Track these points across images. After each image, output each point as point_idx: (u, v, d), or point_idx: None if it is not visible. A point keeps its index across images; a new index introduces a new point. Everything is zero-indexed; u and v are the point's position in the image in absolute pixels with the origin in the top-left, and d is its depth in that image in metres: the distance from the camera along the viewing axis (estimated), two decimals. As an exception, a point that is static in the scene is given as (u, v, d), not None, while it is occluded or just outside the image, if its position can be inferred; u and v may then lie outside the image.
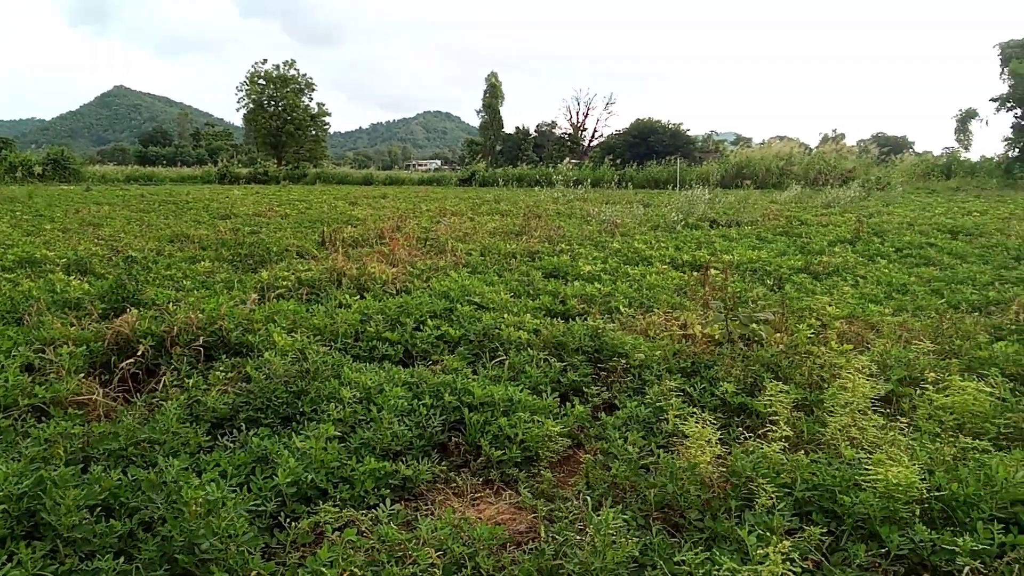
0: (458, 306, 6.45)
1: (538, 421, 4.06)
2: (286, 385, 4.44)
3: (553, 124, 65.29)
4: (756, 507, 2.99)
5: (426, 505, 3.53)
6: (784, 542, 2.48)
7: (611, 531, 2.68)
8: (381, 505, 3.13)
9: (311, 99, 64.45)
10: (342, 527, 2.97)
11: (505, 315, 6.17)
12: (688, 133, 56.49)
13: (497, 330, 5.78)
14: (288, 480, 3.25)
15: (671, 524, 3.17)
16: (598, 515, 2.80)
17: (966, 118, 51.23)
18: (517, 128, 64.70)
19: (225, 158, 59.28)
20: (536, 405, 4.32)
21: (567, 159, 49.07)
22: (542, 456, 3.92)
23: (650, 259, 10.08)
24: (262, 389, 4.38)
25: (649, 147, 52.13)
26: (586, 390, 4.85)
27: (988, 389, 4.26)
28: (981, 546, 2.68)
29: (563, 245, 11.21)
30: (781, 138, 51.41)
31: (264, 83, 62.72)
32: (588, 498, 3.12)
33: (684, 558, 2.64)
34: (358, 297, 7.08)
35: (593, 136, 64.58)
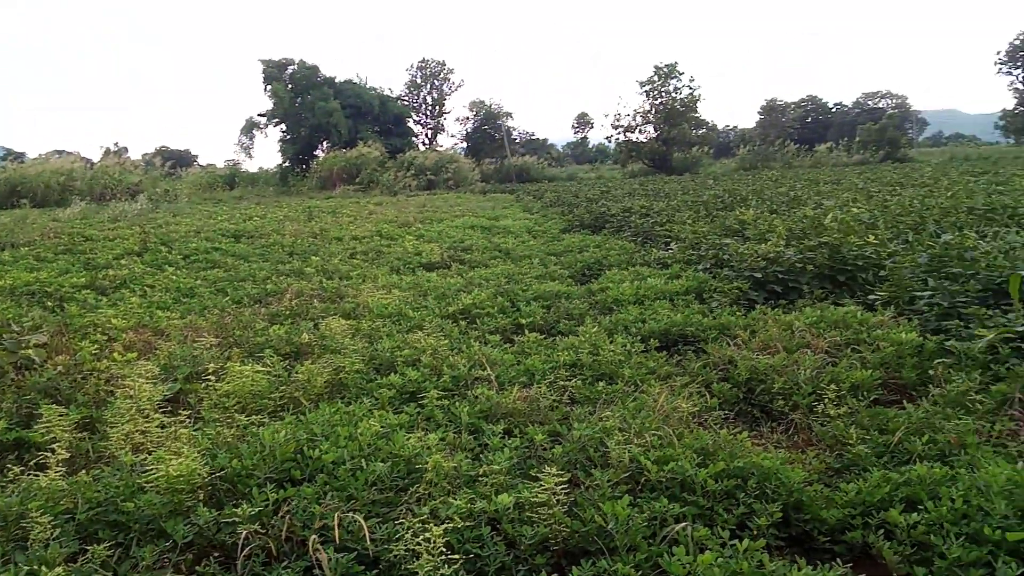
0: None
1: None
2: None
3: None
4: (31, 543, 2.71)
5: None
6: (56, 570, 2.31)
7: None
8: None
9: None
10: None
11: None
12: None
13: None
14: None
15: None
16: None
17: (251, 128, 54.78)
18: None
19: None
20: None
21: None
22: None
23: None
24: None
25: None
26: None
27: (263, 369, 4.77)
28: (259, 509, 2.98)
29: None
30: (60, 153, 47.01)
31: None
32: None
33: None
34: None
35: None
